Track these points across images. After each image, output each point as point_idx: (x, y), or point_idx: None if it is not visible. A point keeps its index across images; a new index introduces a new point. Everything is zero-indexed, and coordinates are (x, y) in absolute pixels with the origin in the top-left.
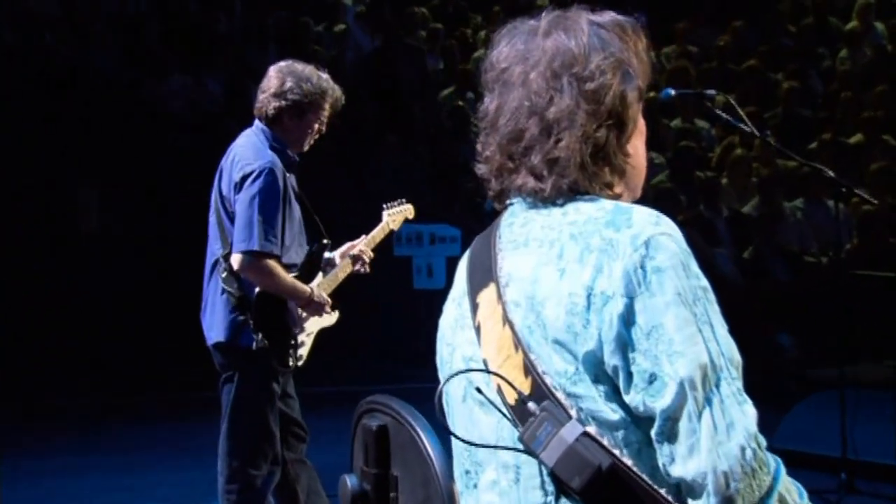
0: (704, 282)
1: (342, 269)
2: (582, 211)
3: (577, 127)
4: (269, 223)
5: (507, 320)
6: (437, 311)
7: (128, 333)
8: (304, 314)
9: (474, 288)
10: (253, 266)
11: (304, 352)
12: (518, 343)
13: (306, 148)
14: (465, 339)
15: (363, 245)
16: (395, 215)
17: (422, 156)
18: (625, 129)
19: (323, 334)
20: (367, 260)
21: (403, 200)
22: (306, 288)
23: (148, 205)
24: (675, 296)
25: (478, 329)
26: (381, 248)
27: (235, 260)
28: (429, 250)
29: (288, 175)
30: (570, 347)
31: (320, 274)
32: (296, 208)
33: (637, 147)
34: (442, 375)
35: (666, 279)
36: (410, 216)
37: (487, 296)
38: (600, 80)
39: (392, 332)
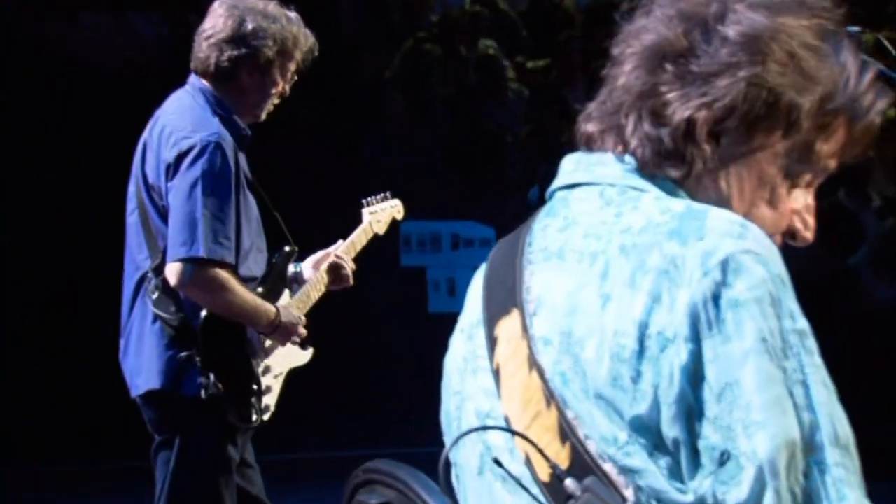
0: (802, 323)
1: (314, 286)
2: (641, 211)
3: (736, 81)
4: (219, 218)
5: (534, 363)
6: None
7: (13, 376)
8: (269, 344)
9: (492, 315)
10: (198, 280)
11: (270, 400)
12: (551, 396)
13: (264, 115)
14: (478, 386)
15: (340, 251)
16: (380, 214)
17: (438, 123)
18: (784, 128)
19: (298, 378)
20: (349, 272)
21: (388, 195)
22: (271, 307)
23: (49, 195)
24: (759, 342)
25: (496, 373)
26: (386, 257)
27: (172, 272)
28: (450, 258)
29: (240, 154)
30: (616, 406)
31: (286, 292)
32: (252, 201)
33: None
34: (448, 437)
35: (746, 318)
36: (399, 216)
37: (509, 327)
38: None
39: (398, 375)
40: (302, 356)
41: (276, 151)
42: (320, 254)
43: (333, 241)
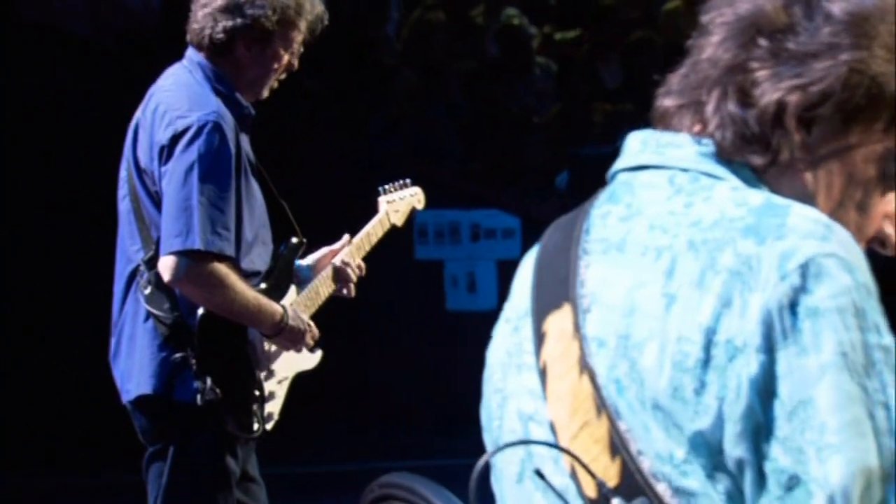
0: (889, 339)
1: (323, 283)
2: (715, 202)
3: (837, 63)
4: (218, 207)
5: (585, 367)
6: (482, 346)
7: None
8: (274, 349)
9: (541, 307)
10: (194, 275)
11: (274, 408)
12: (602, 404)
13: (266, 93)
14: (522, 385)
15: (347, 253)
16: (398, 203)
17: (455, 101)
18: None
19: (307, 386)
20: (353, 276)
21: (407, 182)
22: (276, 307)
23: (24, 187)
24: (838, 356)
25: (543, 373)
26: (399, 249)
27: (166, 266)
28: (470, 250)
29: (242, 136)
30: (675, 419)
31: (293, 288)
32: (255, 188)
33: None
34: (488, 438)
35: (826, 328)
36: (420, 206)
37: (559, 323)
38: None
39: (414, 382)
40: (309, 359)
41: (278, 132)
42: (324, 251)
43: (341, 230)
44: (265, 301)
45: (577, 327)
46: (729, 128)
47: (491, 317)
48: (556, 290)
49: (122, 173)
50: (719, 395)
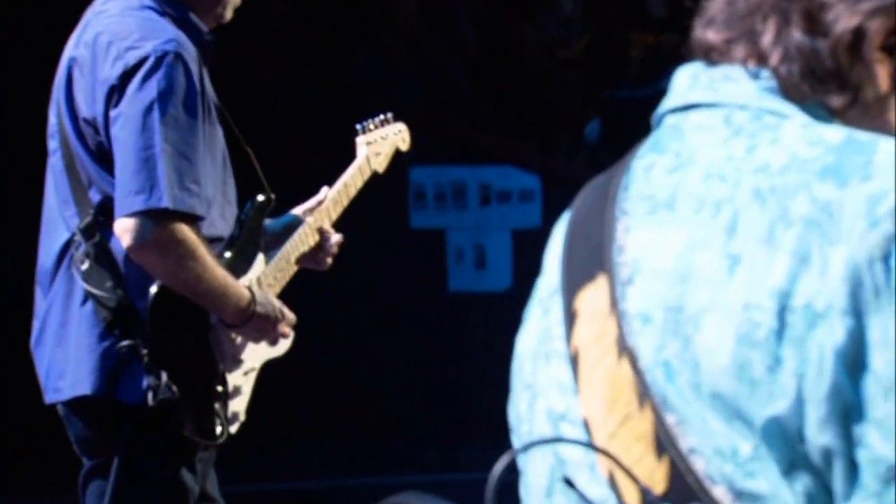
0: None
1: (295, 249)
2: (783, 143)
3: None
4: (185, 155)
5: (624, 348)
6: (495, 337)
7: None
8: (238, 338)
9: (571, 282)
10: (161, 240)
11: (239, 406)
12: (645, 393)
13: (229, 15)
14: (552, 378)
15: (323, 211)
16: (379, 144)
17: (462, 31)
18: None
19: (277, 382)
20: (333, 245)
21: (388, 117)
22: (243, 290)
23: None
24: None
25: (574, 360)
26: (391, 215)
27: (126, 230)
28: (479, 216)
29: (203, 69)
30: (741, 406)
31: (260, 257)
32: (219, 134)
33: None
34: (517, 440)
35: None
36: (404, 146)
37: (593, 299)
38: None
39: (408, 379)
40: (278, 346)
41: (241, 67)
42: (299, 210)
43: (319, 187)
44: (232, 281)
45: (615, 302)
46: (795, 62)
47: (504, 300)
48: (588, 260)
49: (52, 123)
50: (798, 372)
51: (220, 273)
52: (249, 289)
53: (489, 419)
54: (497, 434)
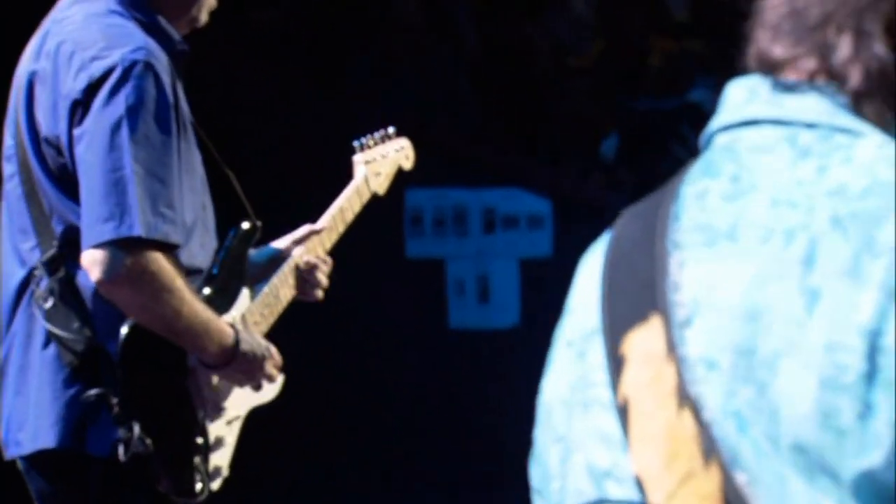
0: None
1: (284, 283)
2: (859, 164)
3: None
4: (159, 176)
5: (686, 398)
6: (500, 378)
7: None
8: (218, 381)
9: (617, 323)
10: (134, 273)
11: (222, 460)
12: (712, 448)
13: (205, 17)
14: (592, 429)
15: (316, 241)
16: (379, 164)
17: (465, 35)
18: None
19: (263, 428)
20: (323, 274)
21: (389, 132)
22: (226, 327)
23: None
24: None
25: (623, 411)
26: (384, 242)
27: (95, 263)
28: (481, 245)
29: (177, 81)
30: (827, 459)
31: (244, 292)
32: (195, 153)
33: None
34: (543, 501)
35: None
36: (408, 163)
37: (645, 342)
38: None
39: (404, 426)
40: (266, 391)
41: (221, 78)
42: (288, 239)
43: (310, 211)
44: (213, 317)
45: (672, 346)
46: (875, 79)
47: (510, 338)
48: (637, 299)
49: (9, 144)
50: (893, 420)
51: (201, 308)
52: (233, 326)
53: (491, 466)
54: (502, 483)
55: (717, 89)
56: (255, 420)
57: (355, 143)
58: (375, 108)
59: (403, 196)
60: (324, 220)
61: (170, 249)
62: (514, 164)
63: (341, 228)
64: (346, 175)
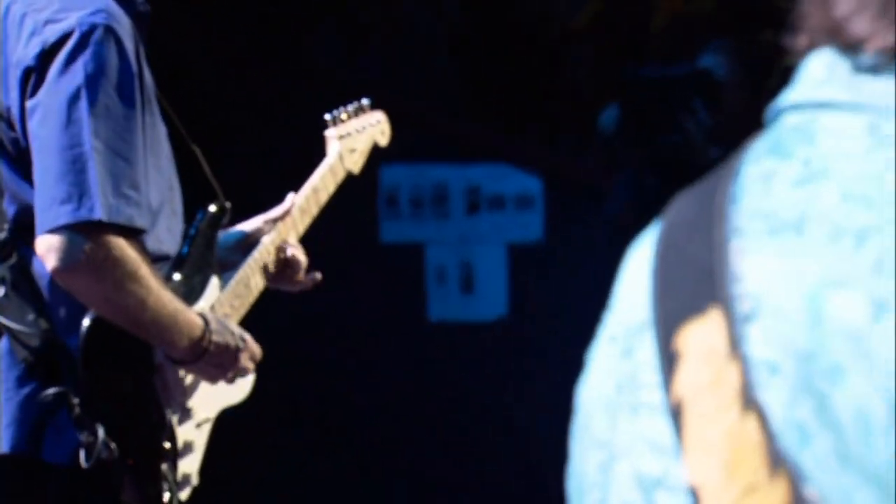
0: None
1: (255, 270)
2: None
3: None
4: (122, 153)
5: (751, 402)
6: (486, 376)
7: None
8: (188, 377)
9: (670, 315)
10: (95, 261)
11: (191, 467)
12: (779, 459)
13: None
14: (640, 434)
15: (289, 224)
16: (354, 139)
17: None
18: None
19: (231, 433)
20: (301, 262)
21: (364, 104)
22: (195, 318)
23: None
24: None
25: (676, 413)
26: (357, 225)
27: (50, 249)
28: (464, 228)
29: (141, 47)
30: None
31: (214, 280)
32: (160, 128)
33: None
34: None
35: None
36: (384, 139)
37: (703, 337)
38: None
39: (388, 428)
40: (237, 389)
41: (183, 46)
42: (258, 220)
43: (281, 191)
44: (182, 308)
45: (736, 342)
46: None
47: (497, 331)
48: (694, 290)
49: None
50: None
51: (168, 297)
52: (203, 316)
53: (475, 466)
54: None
55: (730, 54)
56: (222, 420)
57: (327, 117)
58: (345, 77)
59: (378, 174)
60: (297, 200)
61: (134, 234)
62: (502, 138)
63: (315, 211)
64: (317, 152)
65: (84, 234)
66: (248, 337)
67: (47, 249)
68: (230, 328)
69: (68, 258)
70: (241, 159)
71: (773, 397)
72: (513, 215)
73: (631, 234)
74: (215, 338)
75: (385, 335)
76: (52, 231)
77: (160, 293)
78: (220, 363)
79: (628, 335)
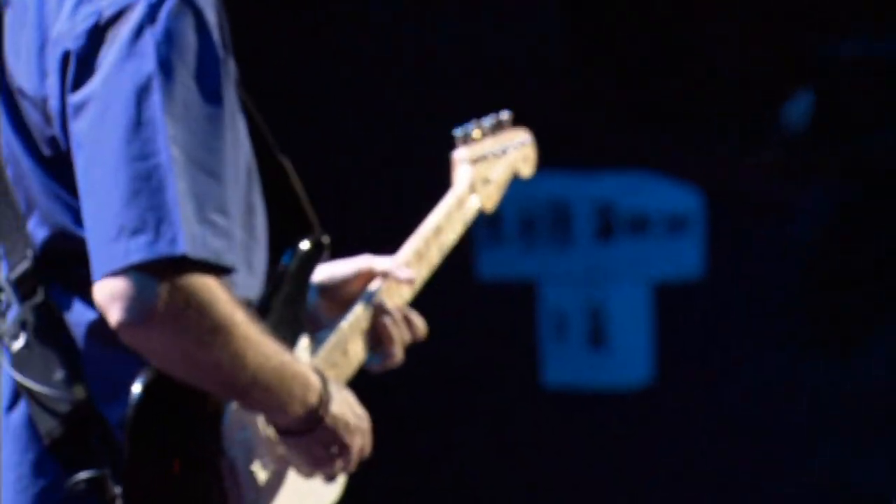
0: None
1: (355, 333)
2: None
3: None
4: (206, 166)
5: None
6: (622, 460)
7: None
8: (261, 473)
9: None
10: (175, 306)
11: None
12: None
13: None
14: None
15: (401, 273)
16: (489, 163)
17: None
18: None
19: None
20: (403, 333)
21: (505, 117)
22: (310, 374)
23: None
24: None
25: None
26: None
27: (116, 296)
28: (593, 259)
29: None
30: None
31: (304, 341)
32: (242, 132)
33: None
34: None
35: None
36: (527, 169)
37: None
38: None
39: None
40: (326, 493)
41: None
42: (361, 263)
43: (393, 232)
44: (291, 361)
45: None
46: None
47: (638, 404)
48: None
49: None
50: None
51: (274, 349)
52: (320, 374)
53: None
54: None
55: None
56: None
57: (457, 133)
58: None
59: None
60: (412, 243)
61: (221, 273)
62: (643, 137)
63: (437, 258)
64: (439, 175)
65: (160, 275)
66: (367, 418)
67: (110, 298)
68: (349, 399)
69: (141, 308)
70: (342, 178)
71: None
72: (660, 242)
73: (827, 267)
74: (334, 408)
75: (486, 403)
76: (118, 273)
77: (263, 344)
78: (330, 442)
79: None
